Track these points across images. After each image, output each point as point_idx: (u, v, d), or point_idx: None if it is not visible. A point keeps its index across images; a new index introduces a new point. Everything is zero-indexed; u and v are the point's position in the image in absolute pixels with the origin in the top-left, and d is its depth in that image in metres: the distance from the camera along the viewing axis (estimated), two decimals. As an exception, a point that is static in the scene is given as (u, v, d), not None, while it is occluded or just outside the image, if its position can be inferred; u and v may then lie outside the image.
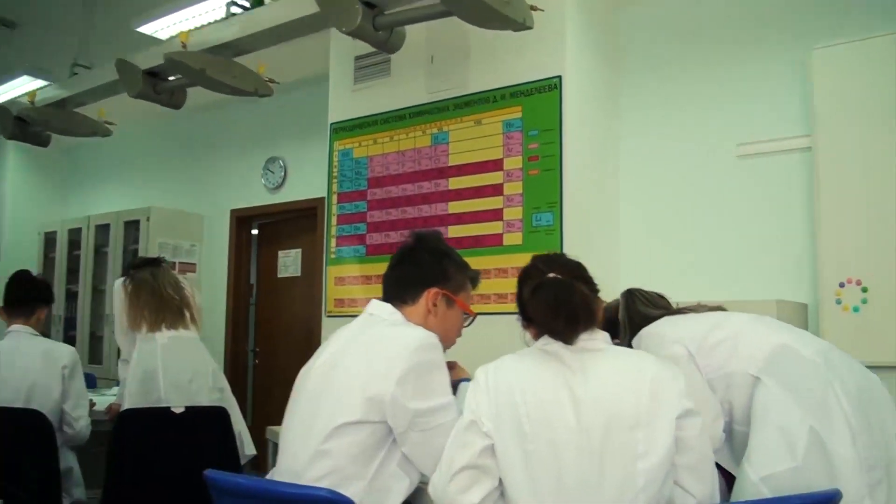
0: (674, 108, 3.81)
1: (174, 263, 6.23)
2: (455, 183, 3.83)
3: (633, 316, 2.27)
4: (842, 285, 3.20)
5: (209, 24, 3.49)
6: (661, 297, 2.36)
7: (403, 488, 1.80)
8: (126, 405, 3.12)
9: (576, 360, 1.71)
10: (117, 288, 3.44)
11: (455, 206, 3.82)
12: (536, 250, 3.38)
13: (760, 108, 3.57)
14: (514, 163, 3.64)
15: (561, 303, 1.72)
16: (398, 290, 2.05)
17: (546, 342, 1.76)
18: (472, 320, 2.14)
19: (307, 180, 5.66)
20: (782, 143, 3.48)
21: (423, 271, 2.05)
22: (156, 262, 3.45)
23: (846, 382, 1.81)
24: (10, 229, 7.39)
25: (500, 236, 3.65)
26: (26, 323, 3.26)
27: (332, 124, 4.41)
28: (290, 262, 6.10)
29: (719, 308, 2.23)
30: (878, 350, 3.08)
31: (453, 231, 3.78)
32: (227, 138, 6.45)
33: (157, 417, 2.86)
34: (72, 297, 6.97)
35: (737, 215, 3.59)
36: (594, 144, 3.73)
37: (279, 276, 6.18)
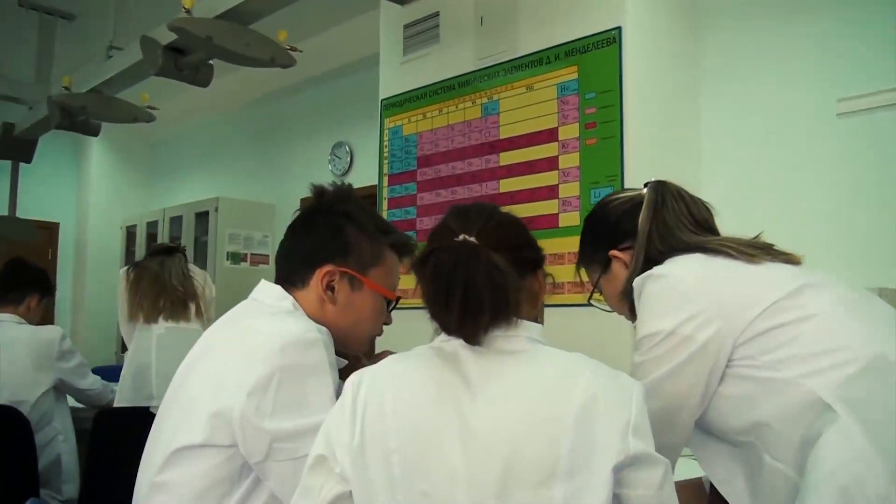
0: (762, 61, 3.21)
1: (246, 255, 6.05)
2: (506, 158, 3.38)
3: (657, 227, 1.54)
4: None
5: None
6: (707, 207, 1.63)
7: None
8: (117, 401, 2.90)
9: (479, 368, 1.15)
10: (121, 276, 3.21)
11: (507, 184, 3.37)
12: (595, 232, 2.94)
13: (863, 56, 2.95)
14: (569, 131, 3.16)
15: (455, 281, 1.13)
16: (286, 269, 1.56)
17: (445, 338, 1.21)
18: (394, 305, 1.60)
19: (374, 164, 5.33)
20: (890, 96, 2.87)
21: (313, 243, 1.53)
22: (170, 251, 3.21)
23: None
24: (95, 224, 7.47)
25: (555, 216, 3.19)
26: (14, 311, 3.08)
27: (382, 100, 4.03)
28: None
29: (790, 260, 1.48)
30: None
31: (506, 212, 3.35)
32: (293, 125, 6.24)
33: (133, 417, 2.58)
34: (151, 290, 6.88)
35: (838, 187, 2.98)
36: (662, 107, 3.17)
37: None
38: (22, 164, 5.17)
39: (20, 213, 5.37)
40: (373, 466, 1.12)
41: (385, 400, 1.16)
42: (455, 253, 1.15)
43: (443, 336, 1.21)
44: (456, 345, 1.18)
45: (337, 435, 1.16)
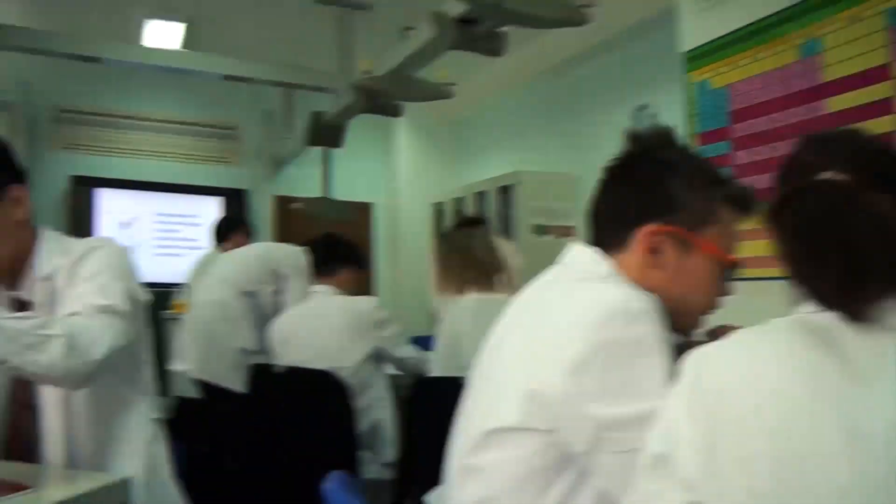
0: None
1: (550, 227, 6.02)
2: (834, 104, 3.00)
3: None
4: None
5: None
6: None
7: None
8: (434, 371, 2.95)
9: (867, 352, 0.85)
10: (431, 249, 3.29)
11: (836, 134, 3.00)
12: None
13: None
14: (906, 67, 2.74)
15: (827, 236, 0.87)
16: (599, 229, 1.31)
17: (811, 308, 0.92)
18: (733, 272, 1.28)
19: (681, 126, 5.06)
20: None
21: (631, 198, 1.27)
22: (474, 223, 3.23)
23: None
24: (406, 203, 7.88)
25: None
26: (329, 283, 3.27)
27: (685, 53, 3.76)
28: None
29: None
30: None
31: (834, 165, 2.98)
32: (591, 91, 6.08)
33: (450, 386, 2.59)
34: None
35: None
36: None
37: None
38: (336, 150, 5.51)
39: (338, 196, 5.76)
40: (727, 475, 0.87)
41: (737, 389, 0.90)
42: (821, 197, 0.90)
43: (808, 306, 0.93)
44: (828, 318, 0.89)
45: (676, 430, 0.93)
